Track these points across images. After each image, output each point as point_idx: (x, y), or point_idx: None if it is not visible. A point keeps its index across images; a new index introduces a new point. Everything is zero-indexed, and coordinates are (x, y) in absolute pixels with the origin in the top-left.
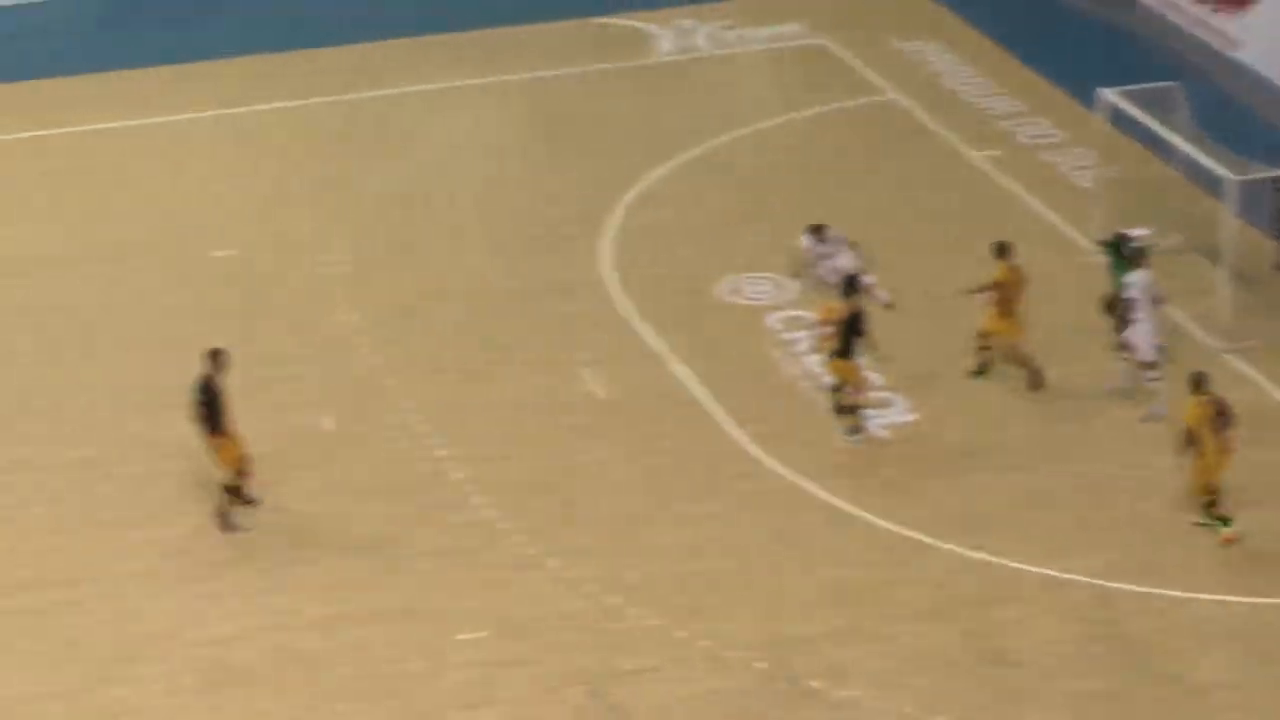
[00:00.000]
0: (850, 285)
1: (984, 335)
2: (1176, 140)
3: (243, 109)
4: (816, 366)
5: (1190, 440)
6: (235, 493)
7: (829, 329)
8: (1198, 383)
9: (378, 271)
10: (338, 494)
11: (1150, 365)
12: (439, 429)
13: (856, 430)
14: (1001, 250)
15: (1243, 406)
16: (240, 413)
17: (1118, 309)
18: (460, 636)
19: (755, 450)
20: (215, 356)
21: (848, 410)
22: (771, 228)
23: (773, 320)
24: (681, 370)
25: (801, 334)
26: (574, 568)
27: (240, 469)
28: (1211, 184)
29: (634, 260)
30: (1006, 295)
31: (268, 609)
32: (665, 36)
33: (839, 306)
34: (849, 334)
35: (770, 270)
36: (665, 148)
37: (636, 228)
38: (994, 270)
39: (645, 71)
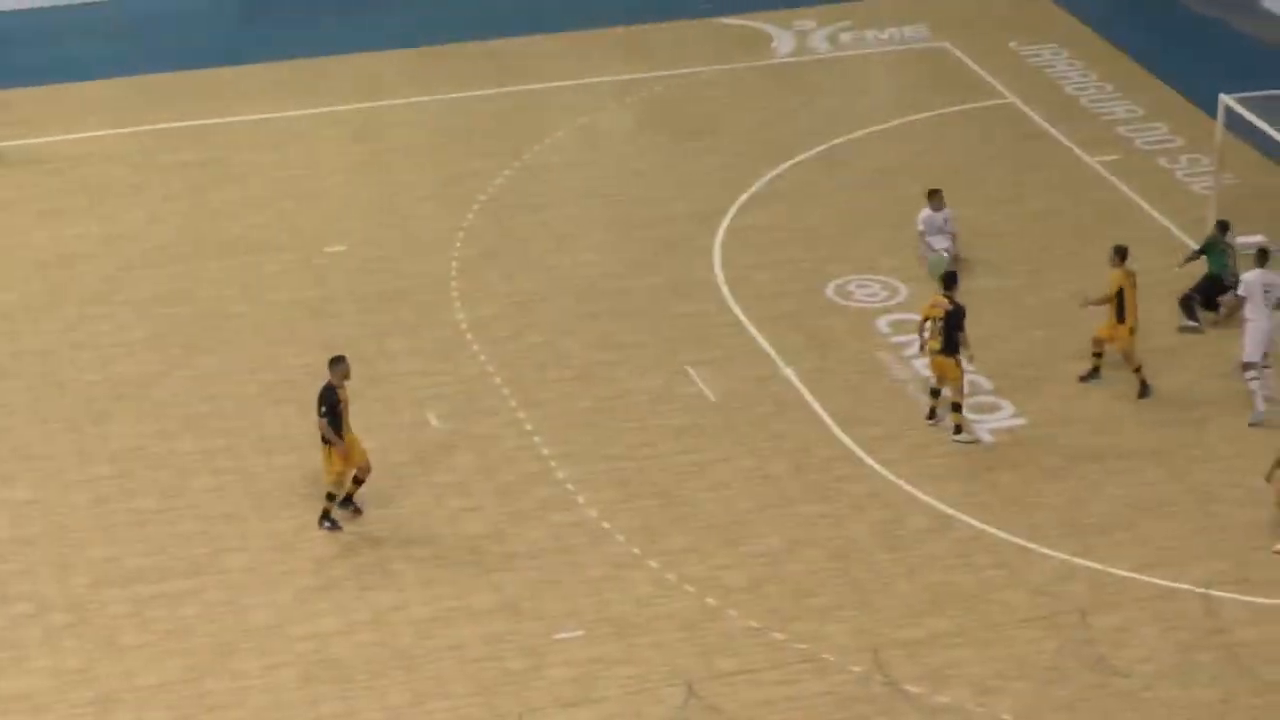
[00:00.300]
0: (950, 280)
1: (1099, 341)
2: None
3: (365, 104)
4: (924, 369)
5: None
6: (333, 499)
7: (932, 325)
8: None
9: (491, 269)
10: (443, 492)
11: (1249, 366)
12: (546, 428)
13: (960, 429)
14: (1119, 255)
15: None
16: (351, 408)
17: (1218, 305)
18: (559, 636)
19: (861, 453)
20: (337, 364)
21: (953, 409)
22: (885, 230)
23: (882, 323)
24: (791, 371)
25: (911, 337)
26: (675, 568)
27: (344, 479)
28: None
29: (747, 260)
30: (1123, 301)
31: (370, 605)
32: (785, 38)
33: (941, 301)
34: (950, 330)
35: (881, 272)
36: (782, 149)
37: (751, 228)
38: (1109, 276)
39: (765, 72)
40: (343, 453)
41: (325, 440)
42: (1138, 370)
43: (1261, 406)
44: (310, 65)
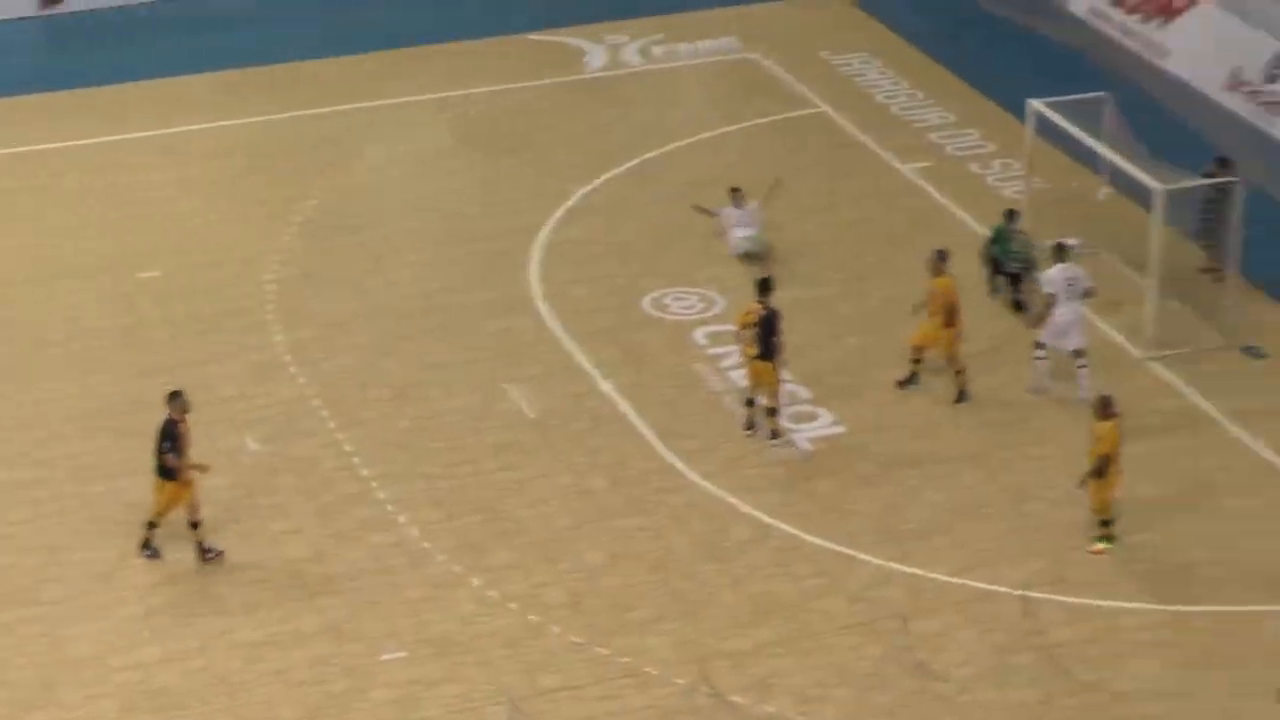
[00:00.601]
0: (764, 287)
1: (918, 347)
2: (1104, 151)
3: (174, 129)
4: (742, 380)
5: (1107, 465)
6: (154, 528)
7: (747, 332)
8: (1107, 405)
9: (308, 291)
10: (264, 515)
11: (1079, 353)
12: (365, 448)
13: (776, 435)
14: (941, 260)
15: (1168, 414)
16: None
17: (1031, 309)
18: (384, 657)
19: (681, 465)
20: (175, 399)
21: (769, 415)
22: (700, 242)
23: (699, 335)
24: (609, 386)
25: (727, 348)
26: (497, 586)
27: (169, 512)
28: (1140, 194)
29: (564, 276)
30: (944, 306)
31: (194, 633)
32: (597, 52)
33: (755, 308)
34: (766, 335)
35: (697, 284)
36: (597, 163)
37: (567, 243)
38: (936, 282)
39: (578, 87)
40: (183, 485)
41: (165, 474)
42: (960, 373)
43: (1041, 383)
44: (121, 90)
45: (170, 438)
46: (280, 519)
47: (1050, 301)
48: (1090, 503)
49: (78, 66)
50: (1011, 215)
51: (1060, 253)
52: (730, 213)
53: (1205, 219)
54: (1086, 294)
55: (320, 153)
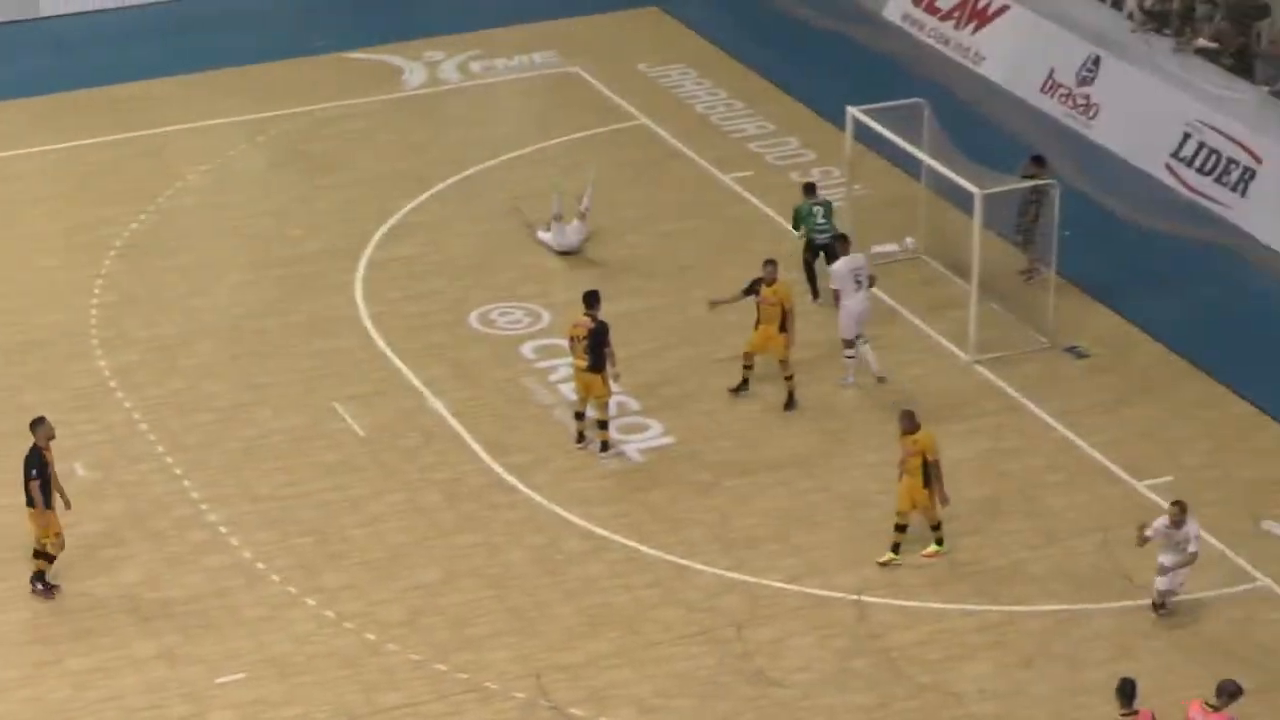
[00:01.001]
0: (592, 299)
1: (749, 354)
2: (922, 156)
3: None
4: (571, 393)
5: (935, 473)
6: (49, 559)
7: (578, 344)
8: (913, 417)
9: (131, 316)
10: (94, 542)
11: (847, 343)
12: (195, 472)
13: (606, 447)
14: (774, 267)
15: (995, 415)
16: None
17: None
18: (220, 680)
19: (513, 480)
20: (39, 425)
21: (599, 427)
22: (525, 256)
23: (527, 349)
24: (439, 402)
25: (556, 361)
26: (334, 605)
27: (57, 540)
28: (959, 197)
29: (390, 294)
30: (778, 312)
31: (25, 661)
32: (415, 70)
33: (584, 321)
34: (595, 347)
35: (523, 299)
36: (419, 180)
37: (392, 261)
38: (774, 289)
39: (397, 105)
40: (47, 517)
41: (32, 503)
42: (790, 379)
43: (851, 377)
44: None
45: (35, 465)
46: (111, 545)
47: (837, 296)
48: (920, 511)
49: None
50: (809, 189)
51: (844, 243)
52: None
53: (1022, 220)
54: (871, 283)
55: (139, 176)
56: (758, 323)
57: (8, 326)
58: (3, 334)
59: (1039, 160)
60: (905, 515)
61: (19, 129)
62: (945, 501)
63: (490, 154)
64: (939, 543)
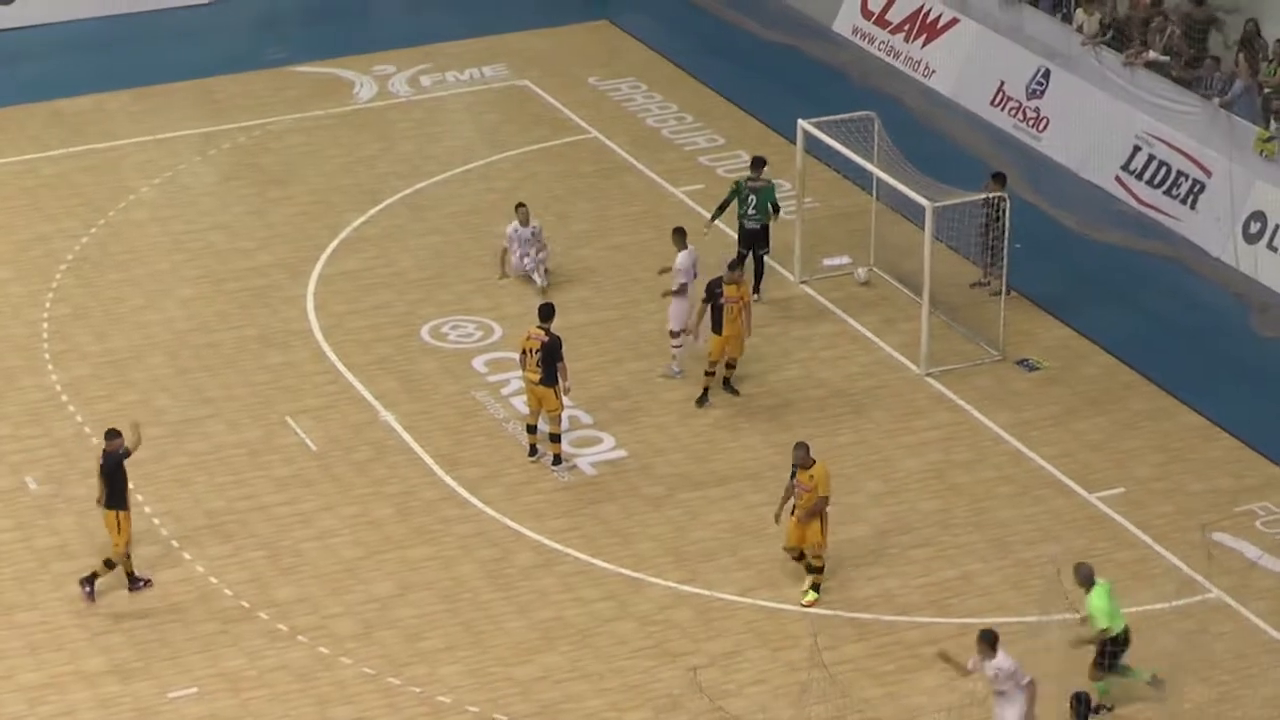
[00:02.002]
0: (546, 312)
1: (714, 361)
2: (873, 169)
3: None
4: (523, 406)
5: (819, 508)
6: (111, 566)
7: (530, 357)
8: (808, 450)
9: (82, 330)
10: (45, 556)
11: (674, 334)
12: (147, 486)
13: (558, 460)
14: (730, 269)
15: (946, 428)
16: None
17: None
18: (172, 695)
19: (465, 493)
20: (118, 435)
21: (551, 440)
22: (476, 270)
23: (479, 362)
24: (390, 416)
25: (507, 375)
26: (287, 619)
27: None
28: (910, 210)
29: (340, 307)
30: (737, 310)
31: None
32: (365, 83)
33: (537, 333)
34: (548, 361)
35: (475, 312)
36: (369, 194)
37: (342, 275)
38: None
39: (347, 119)
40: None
41: (112, 505)
42: (710, 375)
43: (678, 368)
44: None
45: (117, 467)
46: (62, 559)
47: (681, 289)
48: (806, 547)
49: None
50: (758, 163)
51: (681, 235)
52: (516, 230)
53: (985, 237)
54: (694, 275)
55: (89, 190)
56: (716, 327)
57: None
58: None
59: (999, 178)
60: (795, 550)
61: None
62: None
63: (441, 168)
64: (815, 589)
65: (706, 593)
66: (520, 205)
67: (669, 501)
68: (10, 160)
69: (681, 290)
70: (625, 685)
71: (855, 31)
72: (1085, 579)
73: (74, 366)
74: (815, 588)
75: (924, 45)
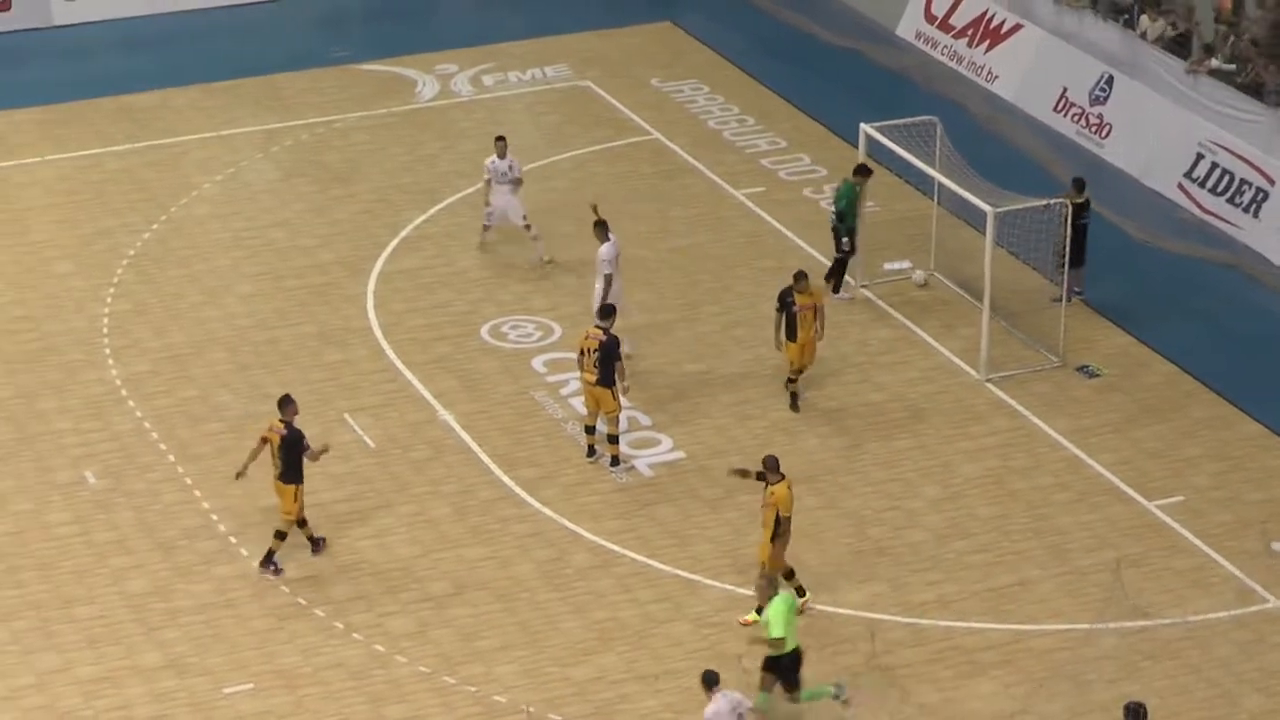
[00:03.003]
0: (605, 313)
1: (796, 369)
2: (935, 173)
3: (4, 163)
4: (581, 407)
5: (782, 529)
6: (283, 537)
7: (588, 357)
8: (776, 466)
9: (143, 325)
10: (104, 551)
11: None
12: (206, 482)
13: (616, 461)
14: (802, 278)
15: (1005, 434)
16: (3, 470)
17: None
18: (228, 690)
19: (523, 493)
20: (290, 404)
21: (609, 441)
22: (536, 271)
23: (538, 362)
24: (449, 415)
25: (566, 375)
26: (342, 616)
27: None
28: (971, 215)
29: (400, 306)
30: (811, 317)
31: (33, 668)
32: (428, 82)
33: (595, 333)
34: (606, 361)
35: (534, 312)
36: (430, 193)
37: (402, 273)
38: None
39: (409, 117)
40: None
41: (282, 479)
42: (794, 382)
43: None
44: None
45: (297, 441)
46: (120, 554)
47: (609, 281)
48: (764, 564)
49: None
50: (858, 170)
51: (603, 228)
52: (494, 164)
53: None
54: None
55: (153, 185)
56: (792, 334)
57: (23, 333)
58: (18, 341)
59: (1077, 183)
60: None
61: (34, 137)
62: (776, 561)
63: None
64: (758, 611)
65: None
66: (500, 138)
67: (726, 504)
68: (76, 154)
69: (608, 280)
70: (679, 687)
71: (919, 36)
72: (771, 588)
73: (134, 361)
74: (758, 610)
75: (987, 51)
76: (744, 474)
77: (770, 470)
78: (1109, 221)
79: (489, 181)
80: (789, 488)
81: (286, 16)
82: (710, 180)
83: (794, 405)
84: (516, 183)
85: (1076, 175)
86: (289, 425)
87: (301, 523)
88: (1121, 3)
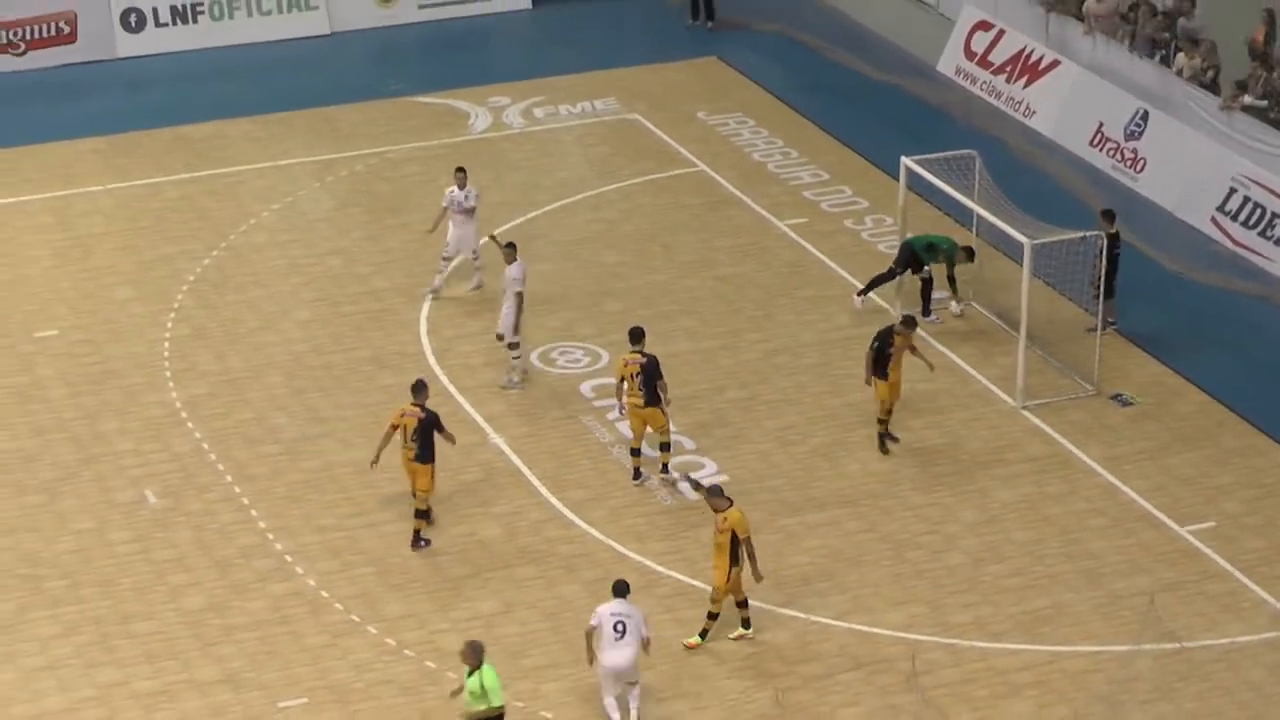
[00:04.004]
0: (637, 336)
1: (888, 409)
2: (973, 205)
3: (65, 192)
4: (627, 431)
5: (748, 551)
6: (425, 515)
7: (633, 381)
8: (721, 493)
9: (202, 349)
10: (163, 569)
11: (513, 345)
12: (262, 501)
13: (667, 468)
14: (909, 325)
15: (1040, 460)
16: (66, 489)
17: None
18: (283, 704)
19: (571, 515)
20: (424, 389)
21: (661, 449)
22: (584, 297)
23: (586, 388)
24: (499, 439)
25: (613, 400)
26: (395, 634)
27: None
28: (1008, 246)
29: (451, 331)
30: (901, 358)
31: (95, 682)
32: (479, 114)
33: (633, 358)
34: (649, 382)
35: (582, 339)
36: (481, 222)
37: (454, 299)
38: (896, 343)
39: (462, 148)
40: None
41: (420, 460)
42: (884, 422)
43: (516, 378)
44: (11, 154)
45: (433, 424)
46: (179, 571)
47: (520, 299)
48: (730, 589)
49: None
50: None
51: (512, 249)
52: (453, 194)
53: (1093, 274)
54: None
55: (210, 214)
56: (883, 373)
57: (86, 356)
58: (81, 364)
59: (1107, 214)
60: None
61: (98, 166)
62: (759, 578)
63: (551, 197)
64: (745, 624)
65: (803, 616)
66: (459, 169)
67: (768, 526)
68: (137, 183)
69: (519, 298)
70: (722, 705)
71: (958, 72)
72: (475, 656)
73: (193, 384)
74: (744, 623)
75: (1025, 86)
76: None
77: (716, 497)
78: (1143, 254)
79: (446, 210)
80: (741, 511)
81: (342, 50)
82: (754, 211)
83: (883, 447)
84: (470, 212)
85: (1106, 208)
86: (424, 408)
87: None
88: (1157, 39)
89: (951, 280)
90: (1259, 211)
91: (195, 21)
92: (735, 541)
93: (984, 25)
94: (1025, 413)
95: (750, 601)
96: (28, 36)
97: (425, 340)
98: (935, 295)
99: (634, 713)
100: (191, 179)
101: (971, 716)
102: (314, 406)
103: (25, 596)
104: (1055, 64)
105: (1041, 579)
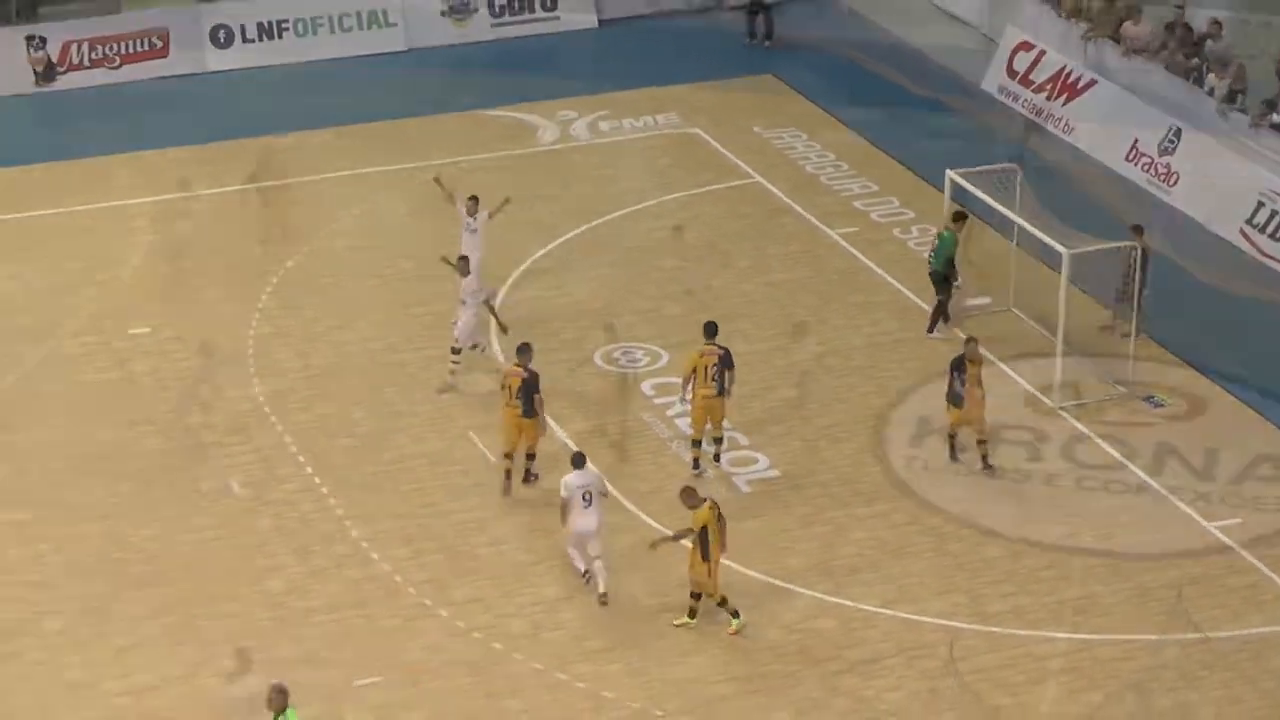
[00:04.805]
0: (712, 330)
1: (954, 425)
2: (1015, 217)
3: (157, 197)
4: (686, 428)
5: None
6: (532, 459)
7: (709, 371)
8: (692, 495)
9: (284, 346)
10: (246, 553)
11: (456, 351)
12: (340, 491)
13: (719, 458)
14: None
15: (1075, 459)
16: (155, 477)
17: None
18: (358, 682)
19: (631, 506)
20: (527, 351)
21: (715, 441)
22: (645, 301)
23: (647, 386)
24: (564, 433)
25: (672, 398)
26: (464, 617)
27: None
28: (1048, 256)
29: (520, 332)
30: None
31: (180, 660)
32: (548, 127)
33: (711, 349)
34: (724, 373)
35: (643, 340)
36: (548, 229)
37: (522, 302)
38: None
39: (531, 159)
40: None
41: (526, 415)
42: (982, 442)
43: (453, 382)
44: (108, 161)
45: (537, 385)
46: (261, 556)
47: (491, 303)
48: (697, 581)
49: (68, 140)
50: (955, 216)
51: (465, 263)
52: (464, 219)
53: (1125, 285)
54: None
55: (292, 220)
56: (961, 398)
57: (176, 354)
58: (171, 360)
59: (1137, 229)
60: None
61: (191, 173)
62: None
63: (615, 206)
64: (735, 615)
65: (849, 604)
66: (472, 197)
67: (818, 519)
68: (227, 189)
69: (489, 299)
70: (770, 688)
71: (1001, 90)
72: (281, 697)
73: (276, 381)
74: (734, 614)
75: (1064, 104)
76: (672, 539)
77: (688, 497)
78: (1175, 264)
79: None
80: (710, 509)
81: (418, 65)
82: (807, 220)
83: (986, 465)
84: (473, 233)
85: (1135, 223)
86: (527, 368)
87: (531, 455)
88: (1189, 61)
89: (952, 266)
90: None
91: (280, 38)
92: (705, 538)
93: (1025, 46)
94: (1062, 413)
95: (792, 588)
96: (123, 51)
97: (494, 340)
98: (980, 301)
99: (602, 584)
100: (278, 186)
101: (1008, 700)
102: (389, 401)
103: (116, 579)
104: (1093, 83)
105: (1075, 571)
